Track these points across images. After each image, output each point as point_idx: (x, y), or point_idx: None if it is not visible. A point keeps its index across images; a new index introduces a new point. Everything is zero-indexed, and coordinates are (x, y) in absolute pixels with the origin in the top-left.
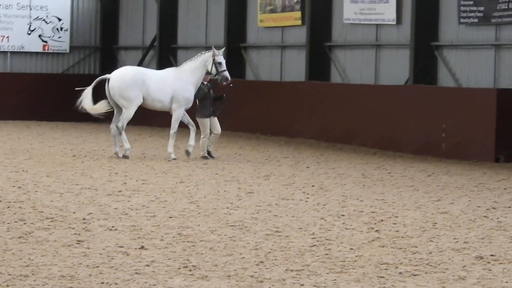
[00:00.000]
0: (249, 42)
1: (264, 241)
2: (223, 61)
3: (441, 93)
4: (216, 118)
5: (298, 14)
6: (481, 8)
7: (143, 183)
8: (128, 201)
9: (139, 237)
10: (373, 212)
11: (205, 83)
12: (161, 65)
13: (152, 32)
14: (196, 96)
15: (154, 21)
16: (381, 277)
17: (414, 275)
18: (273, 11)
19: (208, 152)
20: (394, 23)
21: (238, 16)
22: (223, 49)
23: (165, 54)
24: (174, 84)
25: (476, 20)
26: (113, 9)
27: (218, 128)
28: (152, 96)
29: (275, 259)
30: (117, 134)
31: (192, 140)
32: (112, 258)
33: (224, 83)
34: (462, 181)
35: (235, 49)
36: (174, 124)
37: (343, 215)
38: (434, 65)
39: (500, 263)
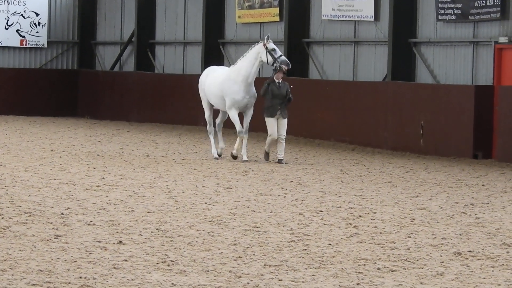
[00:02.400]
0: (228, 38)
1: (243, 236)
2: (276, 47)
3: (419, 89)
4: (285, 120)
5: (276, 10)
6: (459, 5)
7: (121, 178)
8: (106, 196)
9: (117, 232)
10: (351, 208)
11: (278, 81)
12: (139, 61)
13: (130, 27)
14: (262, 94)
15: (132, 17)
16: (359, 272)
17: (392, 271)
18: (251, 7)
19: (266, 154)
20: (372, 19)
21: (216, 12)
22: (267, 36)
23: (143, 49)
24: (223, 85)
25: (454, 17)
26: (91, 4)
27: (281, 132)
28: (209, 98)
29: (254, 254)
30: (217, 132)
31: (238, 147)
32: (90, 253)
33: (285, 69)
34: (441, 177)
35: (213, 45)
36: (236, 125)
37: (321, 211)
38: (412, 62)
39: (478, 259)
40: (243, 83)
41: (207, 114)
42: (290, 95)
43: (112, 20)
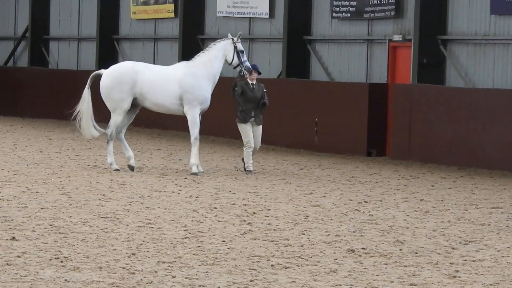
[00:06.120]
0: (122, 34)
1: (136, 233)
2: (244, 50)
3: (314, 87)
4: (259, 127)
5: (171, 6)
6: (354, 3)
7: (14, 174)
8: None
9: (10, 228)
10: (245, 204)
11: (251, 82)
12: (33, 56)
13: (24, 22)
14: (235, 96)
15: (26, 12)
16: (253, 269)
17: (286, 268)
18: (146, 3)
19: (249, 171)
20: (267, 16)
21: (111, 7)
22: (240, 33)
23: (37, 45)
24: (183, 82)
25: (348, 15)
26: None
27: (257, 141)
28: (150, 99)
29: (147, 251)
30: (121, 140)
31: (193, 156)
32: None
33: (247, 76)
34: (334, 174)
35: (107, 41)
36: (192, 130)
37: (215, 208)
38: (307, 59)
39: (371, 256)
40: (211, 81)
41: (119, 119)
42: (265, 99)
43: (6, 15)
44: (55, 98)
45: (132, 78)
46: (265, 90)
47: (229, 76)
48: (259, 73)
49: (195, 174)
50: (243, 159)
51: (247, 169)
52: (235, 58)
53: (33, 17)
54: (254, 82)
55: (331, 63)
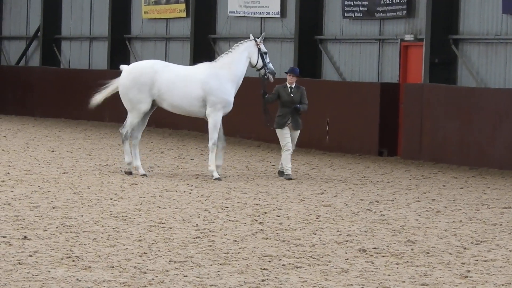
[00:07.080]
0: (133, 33)
1: (148, 232)
2: (267, 51)
3: (325, 86)
4: (297, 132)
5: (182, 6)
6: (365, 3)
7: (26, 173)
8: (11, 191)
9: (22, 227)
10: (256, 204)
11: (290, 86)
12: (44, 56)
13: (36, 22)
14: (267, 100)
15: (38, 11)
16: (264, 269)
17: (297, 267)
18: (157, 3)
19: (281, 172)
20: (279, 16)
21: (123, 7)
22: (263, 34)
23: (48, 44)
24: (206, 84)
25: (360, 15)
26: None
27: (293, 145)
28: (168, 101)
29: (159, 251)
30: (134, 146)
31: (211, 162)
32: None
33: (272, 80)
34: (346, 174)
35: (119, 40)
36: (212, 134)
37: (226, 207)
38: (318, 59)
39: (383, 256)
40: (235, 84)
41: (136, 120)
42: (297, 105)
43: (18, 14)
44: (66, 97)
45: (151, 78)
46: (305, 95)
47: (245, 76)
48: (298, 76)
49: (219, 179)
50: (281, 163)
51: (285, 173)
52: (260, 60)
53: (44, 16)
54: (293, 85)
55: (343, 63)
